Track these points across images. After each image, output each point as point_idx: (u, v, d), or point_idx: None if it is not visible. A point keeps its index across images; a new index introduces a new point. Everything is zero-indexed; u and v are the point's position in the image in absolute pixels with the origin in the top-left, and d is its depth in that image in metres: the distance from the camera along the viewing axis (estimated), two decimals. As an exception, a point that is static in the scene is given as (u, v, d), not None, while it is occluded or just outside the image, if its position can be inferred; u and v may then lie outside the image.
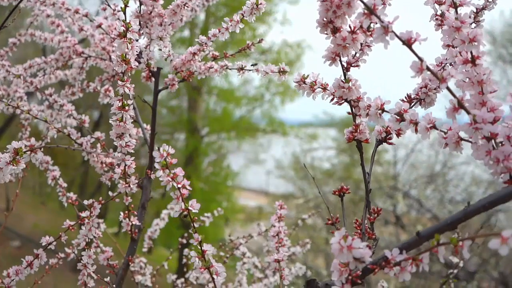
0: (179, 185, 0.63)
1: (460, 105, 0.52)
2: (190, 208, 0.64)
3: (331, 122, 11.10)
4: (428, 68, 0.51)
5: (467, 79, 0.55)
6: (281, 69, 0.86)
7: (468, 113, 0.52)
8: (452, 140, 0.55)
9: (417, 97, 0.70)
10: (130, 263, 1.01)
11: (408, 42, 0.51)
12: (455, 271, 1.11)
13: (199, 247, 0.66)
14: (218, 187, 10.83)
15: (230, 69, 0.98)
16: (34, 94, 1.28)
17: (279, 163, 11.53)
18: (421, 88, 0.69)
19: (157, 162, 0.62)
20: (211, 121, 11.53)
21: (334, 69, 0.65)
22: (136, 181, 0.93)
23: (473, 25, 0.72)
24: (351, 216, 7.13)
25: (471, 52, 0.54)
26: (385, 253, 0.53)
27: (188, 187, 0.64)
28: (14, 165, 0.69)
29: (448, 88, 0.52)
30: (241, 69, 0.97)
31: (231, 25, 0.91)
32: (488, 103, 0.54)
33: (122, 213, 0.98)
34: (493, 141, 0.53)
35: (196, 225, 0.68)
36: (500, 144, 0.53)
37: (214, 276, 0.66)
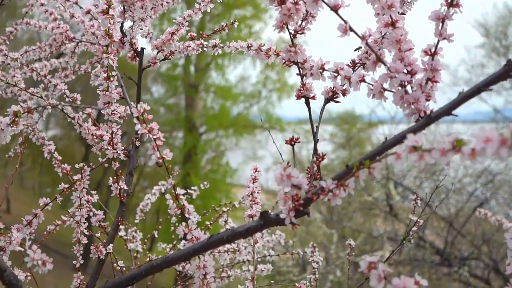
0: (155, 137, 0.74)
1: (378, 59, 0.64)
2: (164, 156, 0.75)
3: (328, 118, 11.24)
4: (351, 29, 0.62)
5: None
6: (249, 45, 0.97)
7: (385, 65, 0.63)
8: (377, 90, 0.67)
9: (360, 61, 0.81)
10: (120, 224, 1.12)
11: (335, 8, 0.63)
12: (414, 228, 1.22)
13: (173, 191, 0.78)
14: (217, 184, 10.92)
15: (205, 47, 1.09)
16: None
17: (276, 159, 11.65)
18: (363, 53, 0.80)
19: (135, 117, 0.73)
20: (208, 119, 11.64)
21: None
22: (123, 147, 1.04)
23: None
24: (345, 206, 7.26)
25: (390, 17, 0.65)
26: (321, 184, 0.64)
27: (162, 139, 0.75)
28: (14, 126, 0.80)
29: (368, 45, 0.63)
30: (215, 46, 1.08)
31: (203, 5, 1.02)
32: (405, 59, 0.65)
33: (111, 179, 1.10)
34: (409, 88, 0.65)
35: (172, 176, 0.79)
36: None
37: (187, 215, 0.77)
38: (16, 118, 0.79)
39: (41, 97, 1.11)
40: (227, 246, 1.22)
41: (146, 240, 1.53)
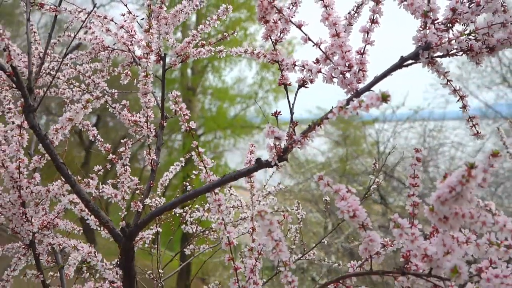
0: (184, 113, 1.12)
1: (327, 57, 1.01)
2: (190, 125, 1.13)
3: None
4: (309, 39, 1.00)
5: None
6: (246, 50, 1.34)
7: (331, 61, 1.01)
8: (328, 77, 1.04)
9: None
10: (151, 186, 1.49)
11: (299, 26, 1.00)
12: (374, 187, 1.58)
13: (197, 150, 1.15)
14: (216, 185, 11.23)
15: (213, 52, 1.47)
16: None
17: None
18: (321, 55, 1.18)
19: (171, 100, 1.11)
20: (206, 120, 12.00)
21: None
22: (154, 127, 1.41)
23: (356, 14, 1.21)
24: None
25: (335, 30, 1.03)
26: (293, 138, 1.01)
27: (188, 114, 1.12)
28: (85, 109, 1.17)
29: (320, 49, 1.01)
30: (220, 51, 1.46)
31: (212, 21, 1.40)
32: (345, 57, 1.03)
33: (144, 151, 1.47)
34: (348, 75, 1.02)
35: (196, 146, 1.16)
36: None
37: (206, 165, 1.14)
38: (87, 104, 1.16)
39: (90, 92, 1.48)
40: (232, 203, 1.59)
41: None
